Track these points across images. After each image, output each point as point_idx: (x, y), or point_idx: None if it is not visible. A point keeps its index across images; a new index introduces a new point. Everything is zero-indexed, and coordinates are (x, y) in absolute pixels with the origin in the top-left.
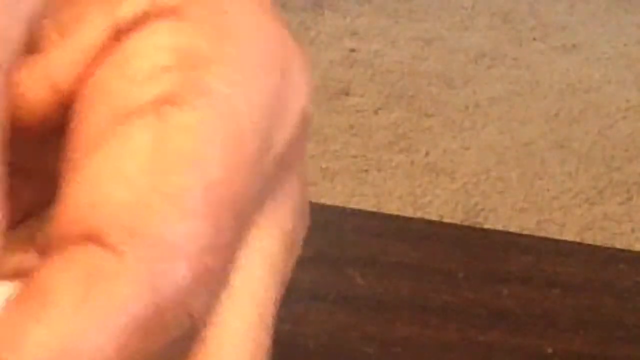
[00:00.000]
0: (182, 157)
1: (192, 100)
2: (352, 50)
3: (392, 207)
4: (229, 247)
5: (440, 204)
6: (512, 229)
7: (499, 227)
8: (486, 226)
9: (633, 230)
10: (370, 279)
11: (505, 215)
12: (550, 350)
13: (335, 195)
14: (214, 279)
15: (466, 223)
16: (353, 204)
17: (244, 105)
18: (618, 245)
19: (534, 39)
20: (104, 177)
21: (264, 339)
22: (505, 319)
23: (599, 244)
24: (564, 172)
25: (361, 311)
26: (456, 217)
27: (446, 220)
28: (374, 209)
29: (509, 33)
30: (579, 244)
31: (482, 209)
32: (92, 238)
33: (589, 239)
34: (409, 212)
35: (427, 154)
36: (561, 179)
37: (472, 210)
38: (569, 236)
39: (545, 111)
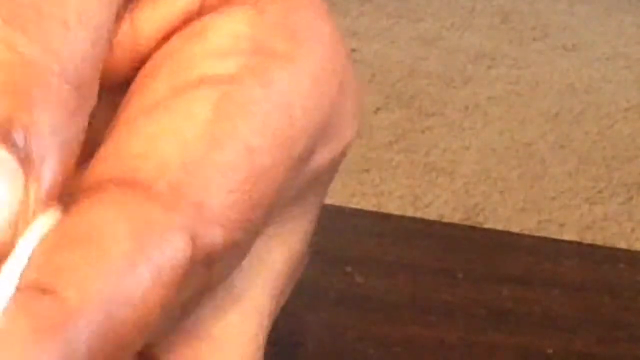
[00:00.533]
0: (237, 136)
1: (256, 88)
2: (352, 50)
3: (392, 207)
4: (255, 232)
5: (440, 204)
6: (512, 229)
7: (499, 227)
8: (486, 226)
9: (633, 230)
10: (370, 278)
11: (505, 215)
12: (550, 350)
13: (335, 195)
14: (237, 253)
15: (466, 223)
16: (353, 204)
17: (299, 108)
18: (618, 245)
19: (534, 39)
20: (160, 134)
21: (260, 347)
22: (505, 319)
23: (599, 244)
24: (564, 172)
25: (361, 311)
26: (456, 217)
27: (446, 220)
28: (374, 209)
29: (509, 33)
30: (579, 244)
31: (482, 209)
32: (139, 186)
33: (589, 239)
34: (409, 212)
35: (427, 154)
36: (561, 179)
37: (472, 210)
38: (569, 236)
39: (545, 111)
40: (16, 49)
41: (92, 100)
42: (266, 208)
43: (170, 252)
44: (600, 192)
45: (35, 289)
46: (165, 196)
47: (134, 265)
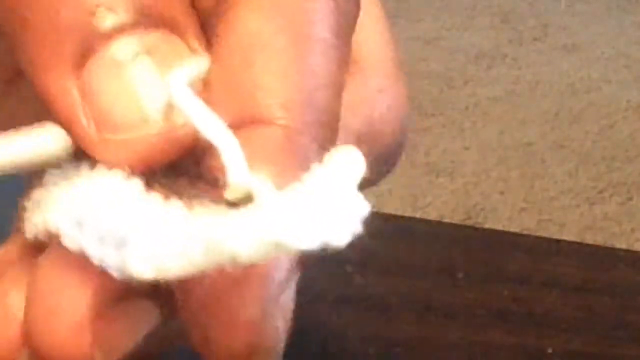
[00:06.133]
0: None
1: None
2: None
3: (392, 207)
4: None
5: (440, 204)
6: (512, 229)
7: (499, 227)
8: (486, 226)
9: (633, 230)
10: (370, 278)
11: (505, 215)
12: (550, 350)
13: None
14: None
15: (466, 223)
16: None
17: None
18: (618, 245)
19: (534, 39)
20: None
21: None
22: (505, 319)
23: (599, 244)
24: (564, 172)
25: (361, 311)
26: (456, 217)
27: (446, 220)
28: (374, 209)
29: (509, 33)
30: (579, 244)
31: (482, 209)
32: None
33: (589, 239)
34: (409, 212)
35: (427, 154)
36: (561, 179)
37: (472, 210)
38: (569, 236)
39: (545, 111)
40: None
41: None
42: None
43: (319, 16)
44: (600, 192)
45: (246, 123)
46: None
47: (303, 49)
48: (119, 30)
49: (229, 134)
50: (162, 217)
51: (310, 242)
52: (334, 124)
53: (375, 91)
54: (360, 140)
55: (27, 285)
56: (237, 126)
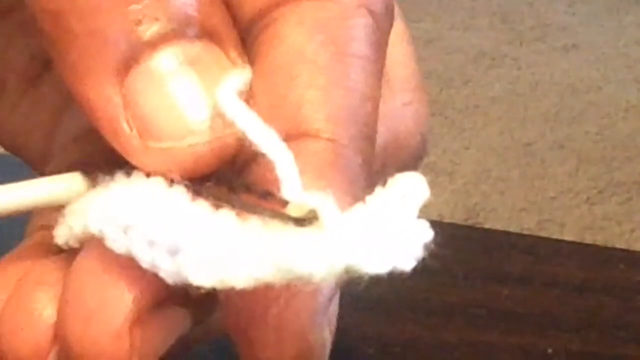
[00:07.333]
0: None
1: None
2: None
3: None
4: None
5: (440, 204)
6: (512, 229)
7: (499, 227)
8: (486, 226)
9: (633, 230)
10: (370, 278)
11: (505, 215)
12: (550, 350)
13: None
14: None
15: (466, 223)
16: None
17: None
18: (618, 245)
19: (534, 39)
20: None
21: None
22: (505, 319)
23: (599, 244)
24: (564, 172)
25: (361, 311)
26: (456, 217)
27: (446, 220)
28: None
29: (509, 33)
30: (579, 244)
31: (482, 209)
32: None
33: (589, 239)
34: None
35: (427, 154)
36: (561, 179)
37: (472, 210)
38: (569, 236)
39: (545, 111)
40: None
41: None
42: None
43: (359, 32)
44: (600, 192)
45: (292, 137)
46: None
47: (345, 65)
48: (163, 40)
49: (285, 148)
50: (216, 227)
51: (381, 267)
52: (373, 136)
53: (401, 105)
54: (385, 153)
55: (63, 287)
56: (283, 140)
